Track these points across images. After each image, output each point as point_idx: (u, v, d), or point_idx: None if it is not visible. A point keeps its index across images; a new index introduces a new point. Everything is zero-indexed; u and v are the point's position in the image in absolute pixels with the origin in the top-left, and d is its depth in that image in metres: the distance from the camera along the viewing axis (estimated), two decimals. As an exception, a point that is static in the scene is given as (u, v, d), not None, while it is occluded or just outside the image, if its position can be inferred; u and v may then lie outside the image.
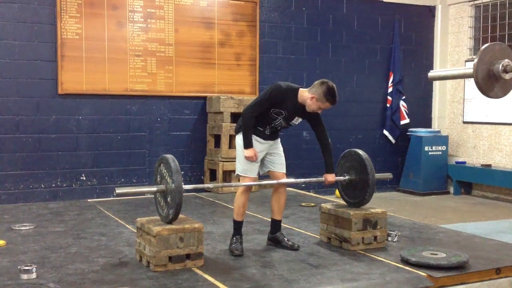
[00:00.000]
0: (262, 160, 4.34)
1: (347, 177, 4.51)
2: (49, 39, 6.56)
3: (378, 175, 4.53)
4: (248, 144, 4.13)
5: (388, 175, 4.87)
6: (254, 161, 4.15)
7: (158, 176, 3.95)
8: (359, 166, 4.42)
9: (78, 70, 6.69)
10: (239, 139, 4.23)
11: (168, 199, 3.78)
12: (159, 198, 3.95)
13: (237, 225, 4.27)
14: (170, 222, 3.80)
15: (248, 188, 4.24)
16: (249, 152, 4.12)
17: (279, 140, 4.40)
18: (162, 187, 3.85)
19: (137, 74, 6.98)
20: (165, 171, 3.82)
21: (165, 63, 7.13)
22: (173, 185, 3.69)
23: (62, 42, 6.59)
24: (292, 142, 7.81)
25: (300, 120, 4.26)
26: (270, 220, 4.49)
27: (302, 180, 4.93)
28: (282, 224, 4.49)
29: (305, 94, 4.12)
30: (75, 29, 6.65)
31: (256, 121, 4.20)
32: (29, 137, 6.53)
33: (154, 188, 3.90)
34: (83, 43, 6.69)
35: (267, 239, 4.49)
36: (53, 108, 6.63)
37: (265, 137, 4.27)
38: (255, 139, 4.22)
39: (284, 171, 4.37)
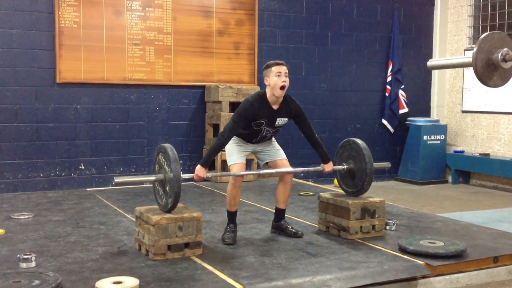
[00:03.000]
0: (257, 155, 4.38)
1: (345, 166, 4.51)
2: (47, 28, 6.53)
3: (377, 164, 4.53)
4: (204, 163, 4.01)
5: (387, 164, 4.88)
6: (199, 180, 4.06)
7: (157, 165, 3.95)
8: (358, 156, 4.43)
9: (76, 59, 6.66)
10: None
11: (167, 188, 3.78)
12: (157, 188, 3.95)
13: (231, 215, 4.28)
14: (169, 211, 3.81)
15: (238, 180, 4.16)
16: (199, 171, 3.99)
17: (272, 139, 4.41)
18: (160, 176, 3.85)
19: (135, 63, 6.96)
20: (164, 160, 3.82)
21: (163, 52, 7.10)
22: (172, 174, 3.70)
23: (60, 30, 6.56)
24: (290, 132, 7.80)
25: (284, 120, 4.22)
26: (268, 209, 4.51)
27: (300, 169, 4.95)
28: (281, 213, 4.50)
29: (267, 88, 4.14)
30: (73, 18, 6.62)
31: (243, 137, 4.23)
32: (28, 126, 6.52)
33: (152, 178, 3.90)
34: (81, 31, 6.67)
35: (271, 227, 4.51)
36: (51, 97, 6.62)
37: (256, 143, 4.32)
38: (244, 146, 4.26)
39: (285, 157, 4.38)
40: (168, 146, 3.83)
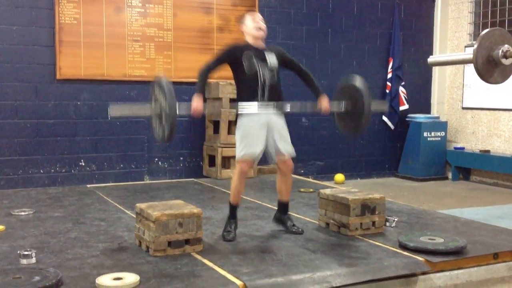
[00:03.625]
0: (268, 145, 4.18)
1: (343, 105, 4.42)
2: (47, 24, 6.52)
3: (374, 105, 4.47)
4: (198, 91, 3.94)
5: (383, 105, 4.84)
6: (197, 116, 3.98)
7: (153, 100, 3.93)
8: (356, 94, 4.36)
9: (76, 55, 6.66)
10: (238, 123, 4.14)
11: (163, 118, 3.76)
12: (154, 123, 3.95)
13: (233, 209, 4.24)
14: (167, 139, 3.79)
15: (245, 172, 4.07)
16: (196, 100, 3.88)
17: (283, 118, 4.26)
18: (156, 108, 3.85)
19: (135, 59, 6.95)
20: (159, 92, 3.81)
21: (163, 48, 7.10)
22: (167, 104, 3.67)
23: (60, 27, 6.56)
24: (291, 129, 7.77)
25: (274, 60, 4.15)
26: (269, 206, 4.51)
27: (298, 103, 4.74)
28: (281, 209, 4.49)
29: (246, 37, 4.18)
30: (73, 14, 6.61)
31: (247, 94, 4.07)
32: (28, 122, 6.52)
33: (148, 109, 3.92)
34: (81, 28, 6.66)
35: (274, 217, 4.48)
36: (51, 94, 6.61)
37: (266, 104, 4.10)
38: (253, 119, 4.06)
39: (289, 150, 4.28)
40: (163, 78, 3.82)
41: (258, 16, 4.20)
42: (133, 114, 4.11)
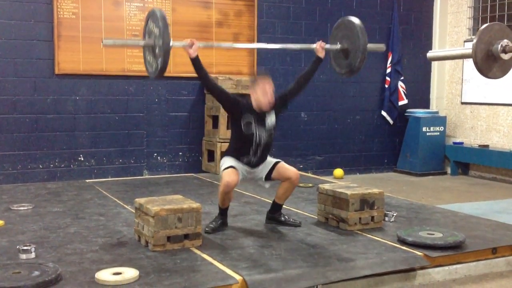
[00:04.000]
0: (252, 179, 4.38)
1: (339, 45, 4.45)
2: (45, 19, 6.50)
3: (371, 45, 4.48)
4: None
5: (381, 46, 4.84)
6: (192, 49, 3.94)
7: (147, 33, 3.96)
8: (352, 34, 4.37)
9: (75, 50, 6.64)
10: (223, 160, 4.25)
11: (156, 50, 3.78)
12: (147, 56, 3.97)
13: (222, 211, 4.35)
14: (160, 74, 3.81)
15: (229, 186, 4.06)
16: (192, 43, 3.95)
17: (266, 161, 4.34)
18: (150, 41, 3.86)
19: (134, 54, 6.93)
20: (153, 25, 3.83)
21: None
22: (161, 35, 3.69)
23: (59, 21, 6.54)
24: (290, 123, 7.81)
25: (273, 118, 4.21)
26: (268, 200, 4.52)
27: (292, 46, 4.65)
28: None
29: (252, 99, 4.16)
30: (71, 9, 6.59)
31: (239, 148, 4.18)
32: (26, 117, 6.51)
33: (142, 42, 3.95)
34: (80, 22, 6.64)
35: (266, 218, 4.52)
36: (50, 88, 6.60)
37: (252, 165, 4.25)
38: (238, 163, 4.18)
39: (278, 160, 4.36)
40: (158, 10, 3.83)
41: (270, 89, 4.10)
42: (126, 45, 4.14)
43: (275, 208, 4.46)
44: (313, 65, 4.40)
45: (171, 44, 3.76)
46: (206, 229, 4.18)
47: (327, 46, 4.45)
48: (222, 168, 4.18)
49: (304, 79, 4.38)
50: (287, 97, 4.35)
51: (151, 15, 3.91)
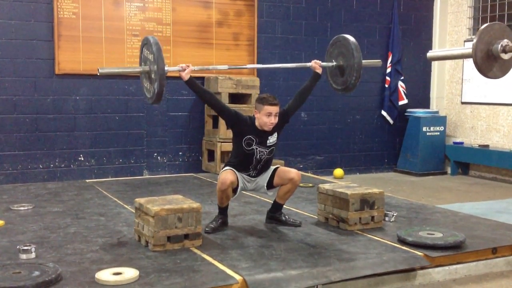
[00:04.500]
0: (253, 190, 4.43)
1: (334, 62, 4.55)
2: (45, 19, 6.50)
3: (366, 62, 4.59)
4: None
5: (377, 62, 4.92)
6: (185, 73, 4.12)
7: (142, 61, 4.10)
8: (347, 52, 4.46)
9: (75, 49, 6.64)
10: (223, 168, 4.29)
11: (152, 76, 3.89)
12: (145, 82, 4.09)
13: (221, 210, 4.37)
14: (157, 99, 3.90)
15: (225, 184, 4.10)
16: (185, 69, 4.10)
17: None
18: (146, 67, 3.98)
19: (134, 54, 6.94)
20: (148, 52, 3.94)
21: (162, 43, 6.96)
22: (155, 61, 3.81)
23: (59, 21, 6.54)
24: (290, 123, 7.76)
25: (274, 137, 4.25)
26: (268, 200, 4.52)
27: (289, 65, 4.77)
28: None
29: (256, 119, 4.20)
30: (71, 8, 6.59)
31: (239, 163, 4.22)
32: (27, 117, 6.51)
33: (138, 69, 4.09)
34: (80, 22, 6.64)
35: (267, 217, 4.53)
36: (50, 88, 6.60)
37: (252, 177, 4.31)
38: (241, 175, 4.25)
39: (277, 166, 4.39)
40: (151, 38, 3.94)
41: (275, 111, 4.13)
42: (122, 73, 4.24)
43: (276, 207, 4.47)
44: (312, 81, 4.47)
45: (166, 69, 3.87)
46: (206, 229, 4.18)
47: (323, 64, 4.55)
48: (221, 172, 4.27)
49: (303, 94, 4.45)
50: (288, 115, 4.38)
51: (145, 43, 4.04)
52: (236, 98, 7.09)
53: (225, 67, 4.71)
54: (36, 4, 6.45)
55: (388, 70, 8.42)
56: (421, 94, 8.85)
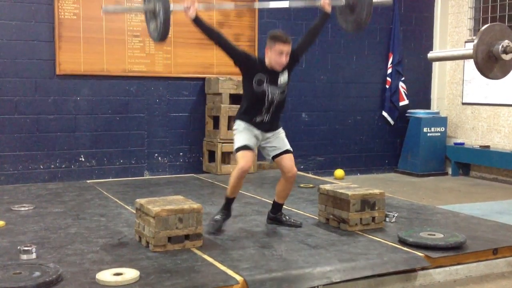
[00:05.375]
0: (263, 148, 4.31)
1: (344, 1, 4.41)
2: (46, 19, 6.50)
3: None
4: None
5: (388, 2, 4.86)
6: (191, 10, 3.98)
7: (146, 1, 4.11)
8: None
9: (76, 50, 6.65)
10: (236, 125, 4.23)
11: (156, 13, 3.90)
12: (150, 22, 4.09)
13: (228, 201, 4.28)
14: (163, 37, 3.94)
15: (245, 169, 4.06)
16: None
17: (280, 129, 4.33)
18: (150, 5, 3.97)
19: (135, 54, 6.94)
20: None
21: (163, 43, 7.08)
22: (160, 1, 3.82)
23: (60, 22, 6.54)
24: (291, 124, 7.80)
25: (286, 75, 4.18)
26: (268, 201, 4.52)
27: (296, 2, 4.72)
28: (280, 205, 4.51)
29: (266, 57, 4.13)
30: (72, 9, 6.59)
31: (251, 107, 4.15)
32: (28, 118, 6.51)
33: (142, 7, 4.12)
34: (81, 23, 6.64)
35: (268, 218, 4.52)
36: (51, 89, 6.60)
37: (265, 127, 4.21)
38: (252, 129, 4.17)
39: (290, 150, 4.32)
40: None
41: (287, 49, 4.08)
42: (127, 11, 4.21)
43: (276, 208, 4.47)
44: (321, 20, 4.36)
45: (171, 8, 3.87)
46: (211, 230, 4.14)
47: (333, 2, 4.41)
48: (236, 143, 4.16)
49: (312, 35, 4.38)
50: (297, 54, 4.30)
51: None
52: (237, 98, 7.09)
53: (230, 4, 4.54)
54: (37, 5, 6.46)
55: (389, 71, 8.42)
56: (422, 95, 8.85)
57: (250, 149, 4.14)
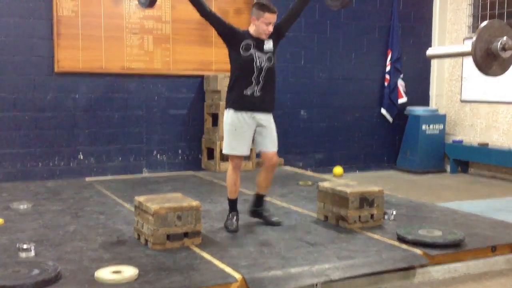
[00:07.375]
0: (256, 137, 4.26)
1: None
2: (45, 16, 6.49)
3: None
4: None
5: None
6: None
7: None
8: None
9: (75, 48, 6.63)
10: (226, 115, 4.20)
11: None
12: None
13: (232, 203, 4.31)
14: (151, 2, 4.08)
15: (238, 165, 4.21)
16: None
17: (271, 116, 4.29)
18: None
19: (134, 52, 6.93)
20: None
21: (162, 41, 7.07)
22: None
23: (58, 19, 6.52)
24: (290, 121, 7.81)
25: (271, 43, 4.19)
26: (267, 199, 4.49)
27: None
28: (279, 202, 4.51)
29: (251, 25, 4.18)
30: (71, 6, 6.58)
31: (241, 79, 4.12)
32: (26, 115, 6.50)
33: None
34: (79, 20, 6.63)
35: (249, 211, 4.50)
36: (49, 86, 6.59)
37: (257, 105, 4.14)
38: (242, 116, 4.12)
39: (275, 149, 4.30)
40: None
41: (274, 20, 4.15)
42: None
43: (258, 200, 4.45)
44: None
45: None
46: (230, 227, 4.19)
47: None
48: (225, 146, 4.20)
49: (297, 9, 4.40)
50: (281, 29, 4.32)
51: None
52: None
53: None
54: (35, 2, 6.44)
55: (388, 68, 8.42)
56: (420, 92, 8.85)
57: (239, 154, 4.19)
